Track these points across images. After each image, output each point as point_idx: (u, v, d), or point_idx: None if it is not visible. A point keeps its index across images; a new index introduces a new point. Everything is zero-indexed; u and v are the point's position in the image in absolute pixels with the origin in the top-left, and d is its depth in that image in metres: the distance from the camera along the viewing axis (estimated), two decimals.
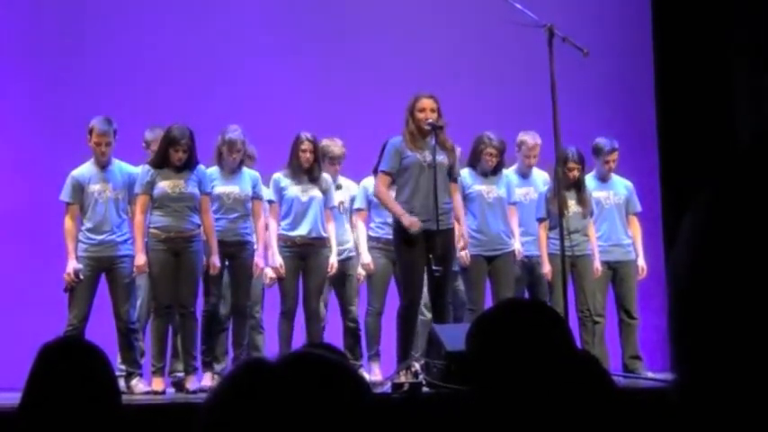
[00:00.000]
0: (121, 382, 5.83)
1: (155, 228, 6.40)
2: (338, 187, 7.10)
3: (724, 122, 8.33)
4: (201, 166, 6.56)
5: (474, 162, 6.96)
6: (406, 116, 6.28)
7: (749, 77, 8.38)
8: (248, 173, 6.79)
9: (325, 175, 6.94)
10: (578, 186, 7.08)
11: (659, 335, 8.06)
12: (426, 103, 6.23)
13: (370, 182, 6.99)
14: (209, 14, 8.48)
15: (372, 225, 7.11)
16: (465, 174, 6.87)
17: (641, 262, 7.28)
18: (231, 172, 6.72)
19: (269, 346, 6.90)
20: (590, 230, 7.14)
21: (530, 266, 7.11)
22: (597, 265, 7.07)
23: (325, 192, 6.86)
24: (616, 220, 7.28)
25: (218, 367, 6.61)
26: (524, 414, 1.71)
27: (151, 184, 6.39)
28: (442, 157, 6.20)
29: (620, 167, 7.50)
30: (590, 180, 7.34)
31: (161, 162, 6.44)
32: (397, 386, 5.74)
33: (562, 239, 6.16)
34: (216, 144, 6.74)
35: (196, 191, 6.45)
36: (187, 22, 8.40)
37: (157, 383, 6.29)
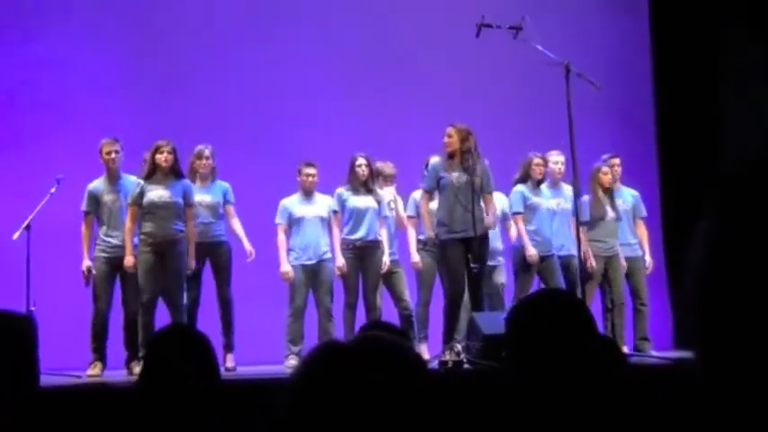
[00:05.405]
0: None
1: (142, 233, 6.32)
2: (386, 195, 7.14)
3: (716, 142, 8.28)
4: (187, 181, 6.53)
5: (525, 178, 7.09)
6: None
7: (737, 99, 8.31)
8: (220, 184, 6.82)
9: (379, 190, 7.02)
10: (611, 194, 7.20)
11: (662, 320, 8.05)
12: (449, 130, 6.40)
13: (418, 194, 7.03)
14: (280, 52, 8.51)
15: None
16: (522, 189, 7.05)
17: (648, 258, 7.35)
18: (203, 182, 6.74)
19: (337, 332, 6.94)
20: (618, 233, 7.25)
21: (566, 264, 7.10)
22: (623, 262, 7.17)
23: (378, 203, 6.95)
24: (625, 225, 7.30)
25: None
26: (552, 387, 1.73)
27: (141, 195, 6.33)
28: (474, 175, 6.27)
29: (626, 182, 7.49)
30: None
31: (150, 171, 6.38)
32: (442, 363, 5.81)
33: (578, 238, 6.12)
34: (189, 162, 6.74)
35: (180, 200, 6.38)
36: (269, 64, 8.46)
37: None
